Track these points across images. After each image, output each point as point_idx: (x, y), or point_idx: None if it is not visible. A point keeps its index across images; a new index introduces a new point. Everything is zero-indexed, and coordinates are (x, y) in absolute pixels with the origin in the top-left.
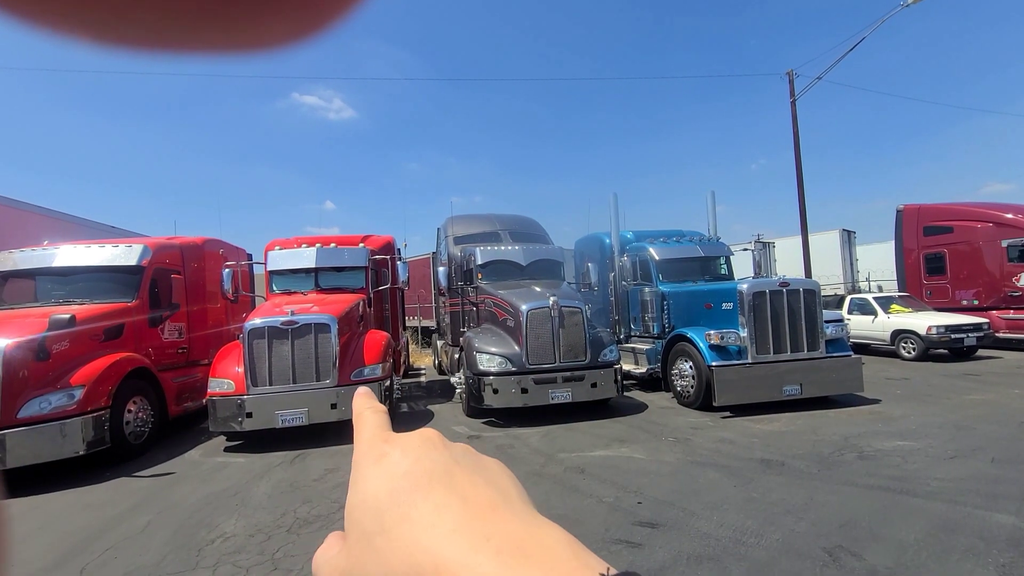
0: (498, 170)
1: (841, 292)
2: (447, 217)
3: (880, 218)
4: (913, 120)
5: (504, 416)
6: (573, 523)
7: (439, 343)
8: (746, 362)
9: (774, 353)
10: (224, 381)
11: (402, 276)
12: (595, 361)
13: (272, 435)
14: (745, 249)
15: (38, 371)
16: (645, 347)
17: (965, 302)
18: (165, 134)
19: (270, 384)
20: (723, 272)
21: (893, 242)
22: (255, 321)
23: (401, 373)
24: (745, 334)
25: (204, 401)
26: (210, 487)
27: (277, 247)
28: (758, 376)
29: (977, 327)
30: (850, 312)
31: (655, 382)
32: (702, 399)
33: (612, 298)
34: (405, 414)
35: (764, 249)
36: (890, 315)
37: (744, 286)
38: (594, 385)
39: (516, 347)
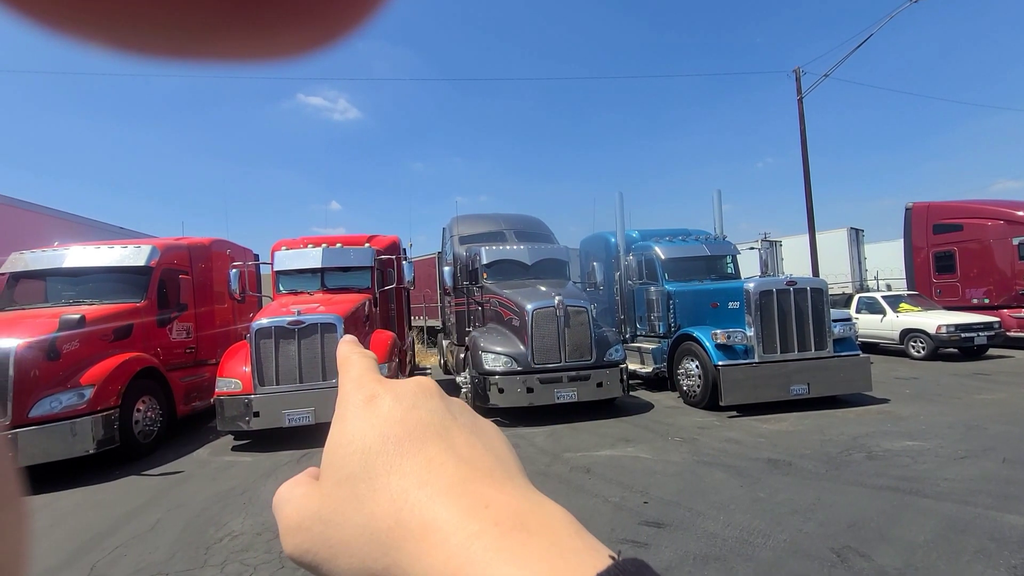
0: (503, 170)
1: (849, 291)
2: (452, 217)
3: (888, 216)
4: (922, 117)
5: (509, 415)
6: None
7: (445, 343)
8: (753, 361)
9: (781, 352)
10: (231, 381)
11: (408, 276)
12: (600, 360)
13: (279, 434)
14: (752, 248)
15: (49, 371)
16: (651, 346)
17: (975, 300)
18: (172, 136)
19: (277, 384)
20: (729, 271)
21: (902, 240)
22: (262, 321)
23: (407, 373)
24: (752, 333)
25: (212, 400)
26: (218, 486)
27: (283, 247)
28: (765, 375)
29: (988, 326)
30: (858, 311)
31: (661, 381)
32: (708, 399)
33: (618, 297)
34: None
35: (771, 248)
36: (899, 314)
37: (751, 285)
38: (600, 385)
39: (521, 347)
